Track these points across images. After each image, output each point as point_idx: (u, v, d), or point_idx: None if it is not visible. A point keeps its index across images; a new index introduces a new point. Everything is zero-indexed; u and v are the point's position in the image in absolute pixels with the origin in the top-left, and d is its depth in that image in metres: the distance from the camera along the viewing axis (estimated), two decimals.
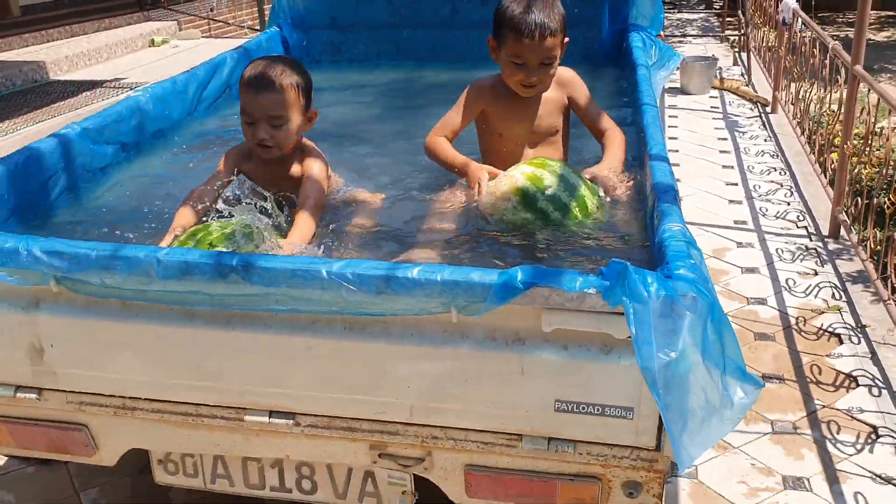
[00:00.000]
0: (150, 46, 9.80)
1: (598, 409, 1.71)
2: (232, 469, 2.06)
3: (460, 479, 1.90)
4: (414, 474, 1.96)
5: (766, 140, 6.19)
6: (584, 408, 1.71)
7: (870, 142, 4.03)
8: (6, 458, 2.88)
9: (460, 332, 1.72)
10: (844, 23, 13.25)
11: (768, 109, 6.87)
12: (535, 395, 1.73)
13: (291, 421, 1.87)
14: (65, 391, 1.96)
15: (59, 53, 8.67)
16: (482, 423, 1.80)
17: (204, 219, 2.40)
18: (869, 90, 4.00)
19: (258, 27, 10.55)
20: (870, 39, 12.21)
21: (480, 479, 1.88)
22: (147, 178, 2.83)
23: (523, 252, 2.33)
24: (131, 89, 7.81)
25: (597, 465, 1.81)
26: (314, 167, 2.52)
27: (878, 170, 4.15)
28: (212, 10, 10.82)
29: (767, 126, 6.50)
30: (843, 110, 4.46)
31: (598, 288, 1.56)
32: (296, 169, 2.54)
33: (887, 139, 3.71)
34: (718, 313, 1.54)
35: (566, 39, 2.66)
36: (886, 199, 3.65)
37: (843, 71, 4.73)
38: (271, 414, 1.87)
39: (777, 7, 6.79)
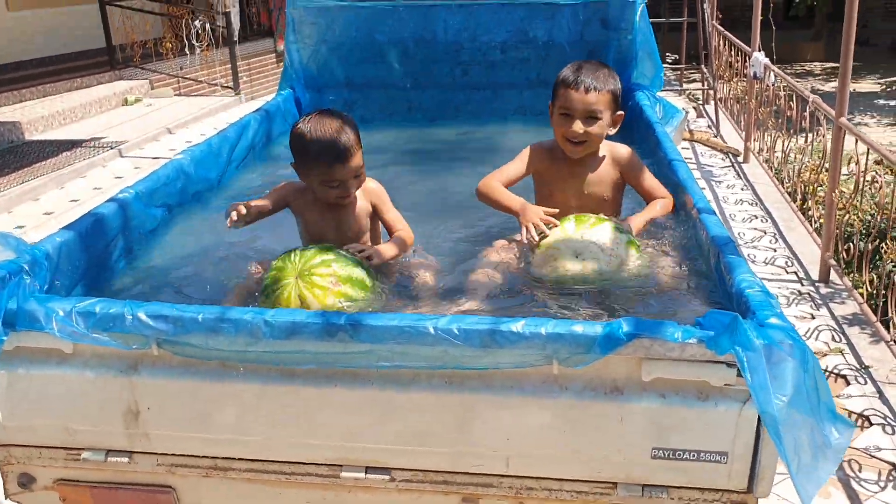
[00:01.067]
0: (123, 105, 9.79)
1: (693, 455, 1.78)
2: None
3: None
4: None
5: (742, 189, 6.41)
6: (679, 454, 1.78)
7: (860, 188, 4.23)
8: None
9: (560, 384, 1.78)
10: (793, 73, 13.83)
11: (740, 159, 7.13)
12: (633, 444, 1.79)
13: (387, 476, 1.89)
14: (156, 454, 1.96)
15: (34, 113, 8.62)
16: (578, 472, 1.85)
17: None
18: (857, 141, 4.21)
19: (231, 85, 10.63)
20: (818, 90, 12.76)
21: None
22: (193, 238, 2.86)
23: (573, 306, 2.40)
24: (111, 148, 7.80)
25: None
26: (382, 197, 2.72)
27: (863, 216, 4.36)
28: (182, 68, 10.86)
29: (742, 175, 6.73)
30: (827, 161, 4.68)
31: (701, 338, 1.65)
32: (359, 199, 2.69)
33: (880, 188, 3.91)
34: (812, 358, 1.63)
35: (620, 113, 2.79)
36: (884, 244, 3.84)
37: (823, 122, 4.97)
38: (367, 470, 1.90)
39: (746, 62, 7.10)
